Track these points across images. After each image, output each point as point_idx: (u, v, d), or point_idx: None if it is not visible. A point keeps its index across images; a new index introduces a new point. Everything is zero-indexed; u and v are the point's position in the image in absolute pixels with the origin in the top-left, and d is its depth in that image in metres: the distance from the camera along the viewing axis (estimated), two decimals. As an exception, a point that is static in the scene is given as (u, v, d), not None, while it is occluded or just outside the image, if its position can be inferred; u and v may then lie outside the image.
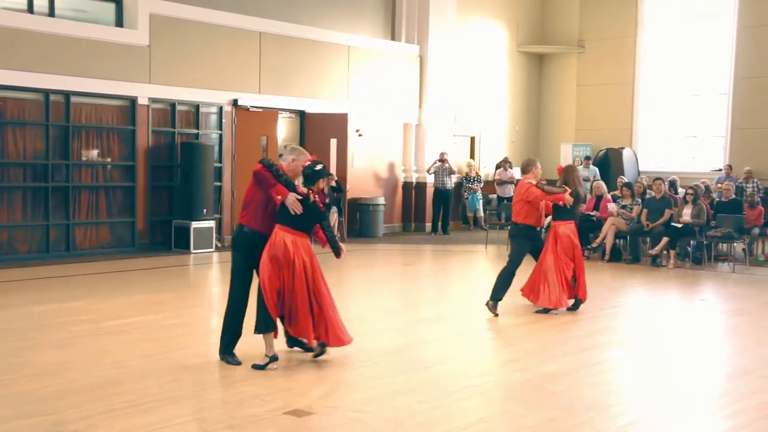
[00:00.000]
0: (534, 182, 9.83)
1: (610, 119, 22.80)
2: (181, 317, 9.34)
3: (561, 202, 9.83)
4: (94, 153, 14.57)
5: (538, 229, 9.94)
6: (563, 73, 23.74)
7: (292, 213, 6.80)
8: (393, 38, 19.95)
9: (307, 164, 7.11)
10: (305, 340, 7.23)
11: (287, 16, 17.29)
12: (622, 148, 21.93)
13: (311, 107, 17.72)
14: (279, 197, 6.83)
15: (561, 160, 22.36)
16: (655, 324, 9.90)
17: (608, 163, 21.50)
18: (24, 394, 6.21)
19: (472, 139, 22.21)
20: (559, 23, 23.70)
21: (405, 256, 15.87)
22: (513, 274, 9.79)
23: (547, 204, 9.90)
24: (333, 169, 17.28)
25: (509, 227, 10.91)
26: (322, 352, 7.31)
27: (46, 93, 13.73)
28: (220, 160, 16.11)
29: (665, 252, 14.51)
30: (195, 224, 14.99)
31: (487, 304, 9.70)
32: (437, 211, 19.48)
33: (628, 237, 15.27)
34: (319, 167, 7.09)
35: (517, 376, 7.10)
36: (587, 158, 20.89)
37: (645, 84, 22.67)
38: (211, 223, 15.37)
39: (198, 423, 5.68)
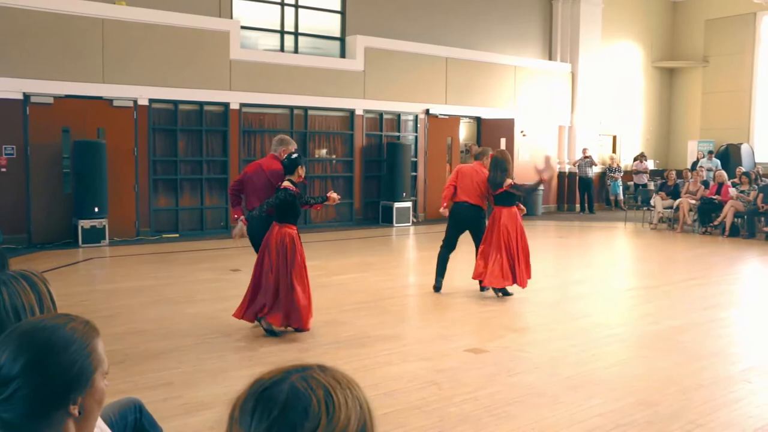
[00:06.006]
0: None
1: (730, 120, 21.07)
2: (386, 276, 9.47)
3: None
4: (324, 152, 15.11)
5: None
6: (690, 83, 22.14)
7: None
8: (550, 58, 19.34)
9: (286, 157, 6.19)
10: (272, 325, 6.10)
11: (467, 44, 17.18)
12: (741, 143, 20.30)
13: (486, 114, 17.52)
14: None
15: (687, 155, 21.01)
16: (769, 289, 9.14)
17: (728, 155, 19.95)
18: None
19: (614, 138, 21.24)
20: (687, 42, 22.11)
21: (559, 231, 15.43)
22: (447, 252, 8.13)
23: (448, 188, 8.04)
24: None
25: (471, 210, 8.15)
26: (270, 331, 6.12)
27: (291, 108, 14.36)
28: (415, 156, 16.25)
29: (779, 229, 13.35)
30: (397, 204, 15.25)
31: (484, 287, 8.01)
32: (582, 194, 19.05)
33: (745, 216, 14.13)
34: (294, 156, 6.14)
35: (649, 328, 6.75)
36: (710, 152, 19.46)
37: (762, 90, 20.77)
38: (409, 204, 15.57)
39: (400, 355, 5.71)
